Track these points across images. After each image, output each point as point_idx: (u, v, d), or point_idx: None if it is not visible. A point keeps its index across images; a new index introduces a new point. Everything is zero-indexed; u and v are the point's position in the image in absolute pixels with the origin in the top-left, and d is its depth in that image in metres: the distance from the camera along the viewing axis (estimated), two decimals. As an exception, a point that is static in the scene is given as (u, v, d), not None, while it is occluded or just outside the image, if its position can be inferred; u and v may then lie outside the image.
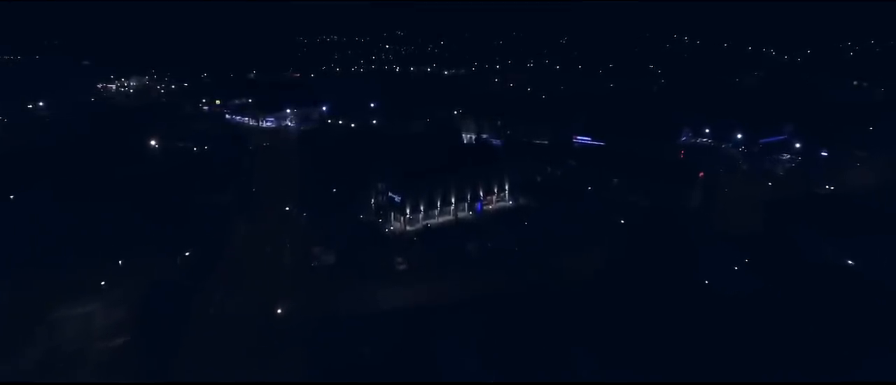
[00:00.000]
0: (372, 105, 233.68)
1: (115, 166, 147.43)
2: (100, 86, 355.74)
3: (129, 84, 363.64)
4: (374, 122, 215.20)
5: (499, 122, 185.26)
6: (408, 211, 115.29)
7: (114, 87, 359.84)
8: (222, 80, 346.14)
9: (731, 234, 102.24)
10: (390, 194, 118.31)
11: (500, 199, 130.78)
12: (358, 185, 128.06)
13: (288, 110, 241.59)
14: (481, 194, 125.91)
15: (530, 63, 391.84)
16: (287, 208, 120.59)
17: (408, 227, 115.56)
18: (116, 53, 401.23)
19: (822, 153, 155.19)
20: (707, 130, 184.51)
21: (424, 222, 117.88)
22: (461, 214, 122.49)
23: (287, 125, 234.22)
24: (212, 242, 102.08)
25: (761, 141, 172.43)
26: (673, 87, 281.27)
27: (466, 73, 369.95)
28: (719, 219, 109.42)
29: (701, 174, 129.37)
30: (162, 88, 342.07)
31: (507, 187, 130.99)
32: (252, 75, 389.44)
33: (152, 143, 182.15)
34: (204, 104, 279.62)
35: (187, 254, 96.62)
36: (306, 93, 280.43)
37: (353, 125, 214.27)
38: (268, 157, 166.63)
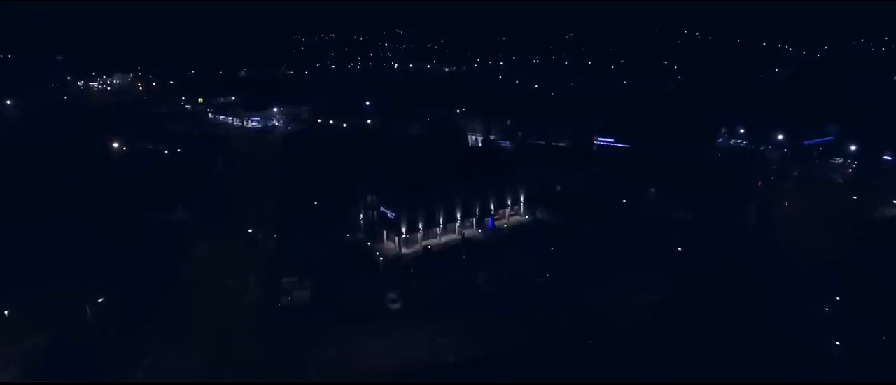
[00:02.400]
0: (367, 104, 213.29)
1: (68, 172, 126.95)
2: (80, 83, 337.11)
3: (111, 82, 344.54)
4: (369, 121, 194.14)
5: (508, 122, 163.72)
6: (403, 230, 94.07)
7: (96, 84, 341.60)
8: (211, 77, 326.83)
9: (812, 263, 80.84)
10: (382, 209, 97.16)
11: (514, 214, 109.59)
12: (344, 198, 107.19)
13: (275, 109, 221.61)
14: (492, 208, 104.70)
15: (536, 59, 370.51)
16: (250, 230, 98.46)
17: (403, 251, 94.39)
18: (103, 50, 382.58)
19: (885, 157, 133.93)
20: (741, 131, 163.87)
21: (424, 244, 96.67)
22: (468, 233, 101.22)
23: (274, 125, 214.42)
24: (148, 277, 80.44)
25: (806, 142, 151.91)
26: (693, 84, 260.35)
27: (469, 70, 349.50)
28: (794, 242, 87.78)
29: (759, 183, 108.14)
30: (141, 86, 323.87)
31: (522, 199, 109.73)
32: (242, 73, 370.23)
33: (118, 145, 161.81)
34: (185, 102, 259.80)
35: (100, 300, 71.89)
36: (297, 91, 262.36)
37: (345, 125, 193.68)
38: (243, 162, 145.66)
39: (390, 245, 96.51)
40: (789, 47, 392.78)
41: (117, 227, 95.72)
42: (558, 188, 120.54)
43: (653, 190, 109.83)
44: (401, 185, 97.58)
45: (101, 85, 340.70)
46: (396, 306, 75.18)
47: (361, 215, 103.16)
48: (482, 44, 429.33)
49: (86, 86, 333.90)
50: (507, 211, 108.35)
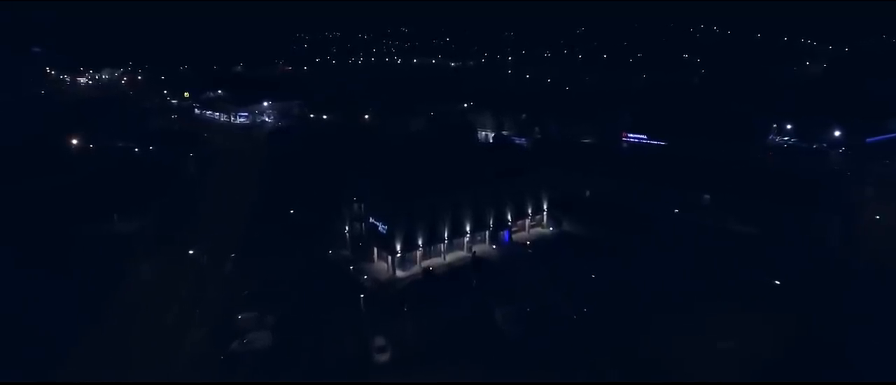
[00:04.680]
0: (366, 99, 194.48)
1: (23, 175, 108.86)
2: (65, 77, 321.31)
3: (99, 77, 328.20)
4: (366, 117, 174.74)
5: (523, 117, 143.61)
6: (398, 247, 74.40)
7: (83, 79, 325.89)
8: (205, 73, 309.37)
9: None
10: (372, 221, 77.51)
11: (536, 225, 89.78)
12: (327, 207, 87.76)
13: (265, 104, 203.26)
14: (509, 219, 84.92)
15: (547, 54, 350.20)
16: (208, 246, 78.75)
17: (398, 273, 74.78)
18: (95, 44, 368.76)
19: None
20: (789, 127, 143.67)
21: (424, 265, 76.95)
22: (480, 250, 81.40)
23: (263, 121, 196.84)
24: (55, 309, 61.15)
25: (869, 140, 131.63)
26: (721, 78, 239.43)
27: (476, 65, 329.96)
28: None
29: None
30: (126, 80, 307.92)
31: (545, 207, 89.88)
32: (238, 68, 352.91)
33: (80, 144, 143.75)
34: (171, 98, 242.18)
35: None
36: (292, 86, 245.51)
37: (340, 122, 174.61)
38: (218, 162, 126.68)
39: (382, 266, 76.83)
40: (813, 42, 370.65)
41: (38, 242, 76.60)
42: (587, 193, 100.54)
43: (707, 197, 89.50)
44: (396, 191, 78.00)
45: (88, 80, 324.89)
46: (384, 357, 55.48)
47: (347, 228, 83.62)
48: (488, 38, 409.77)
49: (72, 80, 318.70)
50: (527, 221, 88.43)
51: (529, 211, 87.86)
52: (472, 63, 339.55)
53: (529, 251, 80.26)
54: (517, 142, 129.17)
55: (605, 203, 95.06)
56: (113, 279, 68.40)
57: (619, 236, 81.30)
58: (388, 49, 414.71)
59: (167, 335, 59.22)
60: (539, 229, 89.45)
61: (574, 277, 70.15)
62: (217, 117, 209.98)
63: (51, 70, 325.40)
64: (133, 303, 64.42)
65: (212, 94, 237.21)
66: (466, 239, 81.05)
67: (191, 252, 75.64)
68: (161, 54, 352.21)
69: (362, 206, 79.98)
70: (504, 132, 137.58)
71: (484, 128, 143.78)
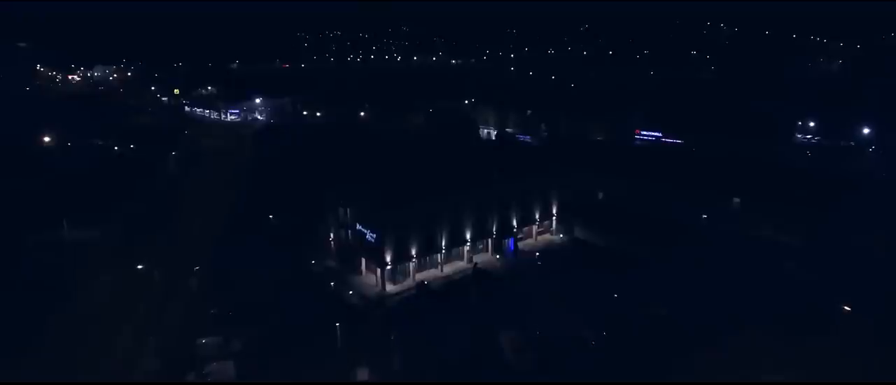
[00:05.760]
0: (363, 96, 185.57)
1: None
2: (55, 74, 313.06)
3: (92, 74, 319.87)
4: (362, 114, 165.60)
5: (528, 113, 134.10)
6: (388, 257, 65.05)
7: (75, 76, 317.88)
8: (201, 70, 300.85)
9: None
10: (360, 228, 68.16)
11: (544, 232, 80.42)
12: (313, 212, 78.49)
13: (257, 101, 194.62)
14: (514, 225, 75.55)
15: (551, 51, 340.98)
16: (170, 258, 69.64)
17: (388, 288, 65.48)
18: (91, 42, 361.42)
19: None
20: (812, 125, 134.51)
21: (418, 278, 67.61)
22: (482, 261, 72.07)
23: (255, 118, 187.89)
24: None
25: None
26: (734, 74, 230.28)
27: (477, 62, 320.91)
28: None
29: None
30: (116, 76, 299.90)
31: (554, 212, 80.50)
32: (234, 66, 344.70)
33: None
34: (161, 95, 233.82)
35: None
36: (287, 82, 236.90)
37: (334, 119, 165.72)
38: (200, 162, 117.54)
39: (370, 279, 67.56)
40: (823, 39, 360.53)
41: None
42: (600, 196, 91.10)
43: (736, 200, 79.91)
44: (388, 194, 68.76)
45: (80, 77, 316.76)
46: (367, 395, 46.29)
47: (332, 237, 74.35)
48: (490, 36, 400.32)
49: (64, 78, 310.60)
50: (535, 228, 79.12)
51: (537, 216, 78.48)
52: (473, 61, 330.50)
53: (539, 263, 70.71)
54: (522, 139, 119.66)
55: (621, 207, 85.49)
56: (54, 297, 59.03)
57: (641, 246, 71.77)
58: (388, 47, 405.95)
59: (112, 366, 49.93)
60: (548, 237, 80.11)
61: (591, 294, 60.69)
62: (207, 115, 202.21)
63: (41, 67, 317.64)
64: (75, 326, 55.00)
65: (203, 91, 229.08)
66: (466, 248, 71.73)
67: (152, 264, 66.32)
68: (159, 53, 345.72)
69: (348, 210, 70.56)
70: (508, 129, 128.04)
71: (486, 125, 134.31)
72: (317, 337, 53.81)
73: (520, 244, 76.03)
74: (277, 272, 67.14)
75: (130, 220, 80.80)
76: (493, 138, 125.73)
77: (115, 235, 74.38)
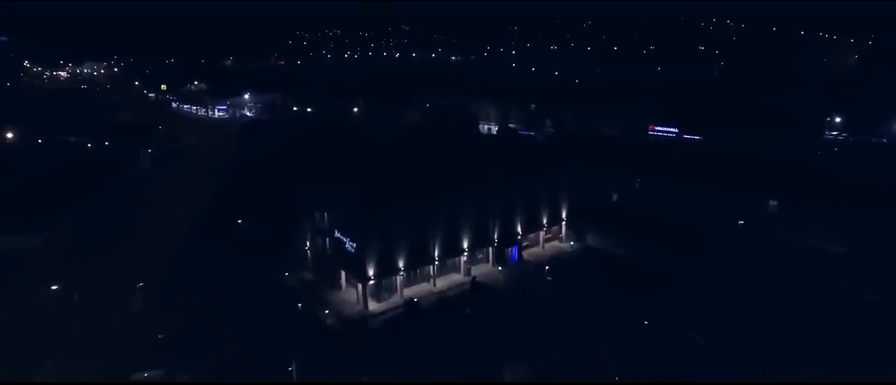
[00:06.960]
0: (356, 91, 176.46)
1: None
2: (43, 70, 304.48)
3: (80, 70, 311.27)
4: (355, 109, 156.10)
5: (532, 107, 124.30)
6: (371, 271, 55.35)
7: (64, 73, 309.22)
8: (191, 66, 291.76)
9: None
10: (338, 235, 58.45)
11: (552, 239, 70.67)
12: (291, 218, 68.68)
13: (246, 96, 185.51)
14: (518, 230, 65.85)
15: (553, 47, 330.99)
16: (116, 271, 59.90)
17: (371, 307, 55.81)
18: (83, 38, 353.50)
19: None
20: (838, 121, 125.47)
21: (406, 295, 57.87)
22: (481, 273, 62.34)
23: (243, 114, 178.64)
24: None
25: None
26: (745, 71, 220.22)
27: (478, 59, 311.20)
28: None
29: None
30: (103, 72, 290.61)
31: (563, 215, 70.77)
32: (228, 62, 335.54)
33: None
34: (147, 91, 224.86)
35: None
36: (280, 78, 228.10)
37: (325, 114, 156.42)
38: (174, 160, 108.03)
39: (351, 295, 57.91)
40: (828, 35, 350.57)
41: None
42: (615, 197, 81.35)
43: (773, 203, 70.16)
44: (373, 196, 59.04)
45: (69, 73, 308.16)
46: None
47: (308, 245, 64.69)
48: (490, 33, 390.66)
49: (52, 75, 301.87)
50: (542, 234, 69.41)
51: (544, 221, 68.78)
52: (473, 57, 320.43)
53: (549, 278, 60.89)
54: (525, 135, 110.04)
55: (639, 210, 75.77)
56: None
57: (667, 256, 61.99)
58: (386, 45, 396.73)
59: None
60: (557, 244, 70.41)
61: (609, 315, 51.10)
62: (194, 111, 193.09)
63: (28, 64, 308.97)
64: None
65: (191, 86, 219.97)
66: (464, 259, 62.05)
67: (96, 278, 56.74)
68: (153, 50, 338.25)
69: (325, 215, 60.87)
70: (510, 124, 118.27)
71: (487, 120, 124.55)
72: (278, 370, 44.27)
73: (525, 254, 66.51)
74: (243, 287, 57.63)
75: (83, 225, 71.25)
76: (494, 134, 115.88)
77: (60, 244, 64.73)
